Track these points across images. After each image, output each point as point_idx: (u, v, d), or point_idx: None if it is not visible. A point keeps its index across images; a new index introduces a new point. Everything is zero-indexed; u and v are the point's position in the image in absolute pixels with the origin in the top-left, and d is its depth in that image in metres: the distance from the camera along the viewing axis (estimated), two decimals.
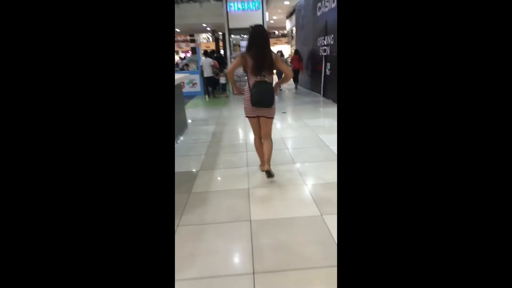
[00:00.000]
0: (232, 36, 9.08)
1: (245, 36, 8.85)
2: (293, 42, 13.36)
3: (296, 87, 9.29)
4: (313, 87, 8.39)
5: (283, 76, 2.59)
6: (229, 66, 2.77)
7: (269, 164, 2.62)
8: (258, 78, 2.40)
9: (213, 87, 8.80)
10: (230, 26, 8.92)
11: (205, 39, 23.28)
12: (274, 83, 2.52)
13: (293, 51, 8.80)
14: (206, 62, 8.28)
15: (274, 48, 19.67)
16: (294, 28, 12.51)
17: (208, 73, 8.40)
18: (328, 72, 6.95)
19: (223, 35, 11.92)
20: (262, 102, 2.42)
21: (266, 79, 2.42)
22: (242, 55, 2.44)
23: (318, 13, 7.40)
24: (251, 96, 2.42)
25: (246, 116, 2.60)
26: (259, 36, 2.41)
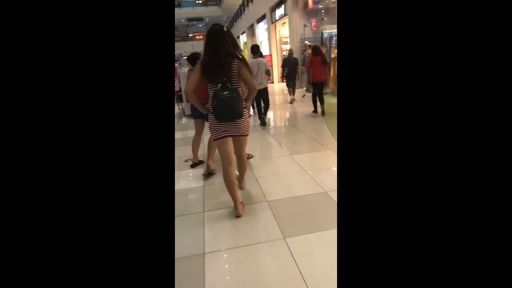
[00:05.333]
0: None
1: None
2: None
3: (316, 111, 5.51)
4: None
5: (247, 90, 2.13)
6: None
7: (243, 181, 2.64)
8: (218, 87, 1.97)
9: (264, 106, 4.99)
10: None
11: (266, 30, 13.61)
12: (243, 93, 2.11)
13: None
14: (256, 64, 4.70)
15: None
16: None
17: (262, 83, 4.73)
18: None
19: None
20: (228, 113, 1.99)
21: (228, 85, 1.98)
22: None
23: None
24: (213, 110, 2.01)
25: (214, 139, 2.15)
26: (212, 38, 1.98)
